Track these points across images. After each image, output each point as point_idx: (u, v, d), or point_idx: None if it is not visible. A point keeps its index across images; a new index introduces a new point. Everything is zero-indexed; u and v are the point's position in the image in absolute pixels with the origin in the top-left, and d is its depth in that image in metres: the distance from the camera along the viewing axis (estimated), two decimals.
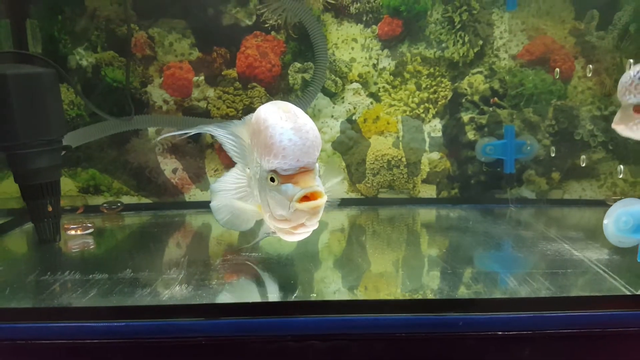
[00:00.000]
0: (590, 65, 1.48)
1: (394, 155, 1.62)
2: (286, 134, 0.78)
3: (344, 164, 1.65)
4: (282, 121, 0.79)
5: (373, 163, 1.63)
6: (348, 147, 1.65)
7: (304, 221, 0.81)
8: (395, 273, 1.09)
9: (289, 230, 0.85)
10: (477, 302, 0.88)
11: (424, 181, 1.65)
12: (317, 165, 0.82)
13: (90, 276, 1.02)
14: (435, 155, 1.64)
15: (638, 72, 0.92)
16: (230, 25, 1.57)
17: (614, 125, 0.97)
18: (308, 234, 0.88)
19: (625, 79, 0.94)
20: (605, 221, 0.92)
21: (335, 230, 1.49)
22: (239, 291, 0.98)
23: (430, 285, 1.01)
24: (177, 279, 1.00)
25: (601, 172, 1.57)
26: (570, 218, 1.54)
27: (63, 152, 1.29)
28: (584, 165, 1.49)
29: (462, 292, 0.94)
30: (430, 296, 0.93)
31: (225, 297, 0.92)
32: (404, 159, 1.62)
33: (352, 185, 1.67)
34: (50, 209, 1.23)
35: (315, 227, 0.85)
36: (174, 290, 0.93)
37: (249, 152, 0.91)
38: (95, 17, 1.55)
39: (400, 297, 0.95)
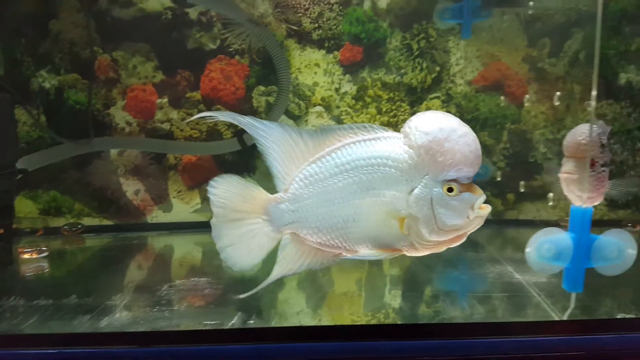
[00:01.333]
0: (558, 93, 1.54)
1: None
2: (465, 140, 0.71)
3: None
4: (451, 128, 0.72)
5: None
6: None
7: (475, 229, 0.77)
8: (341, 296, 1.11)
9: (441, 243, 0.78)
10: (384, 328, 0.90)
11: None
12: None
13: (35, 302, 1.01)
14: None
15: (599, 134, 0.98)
16: (195, 49, 1.59)
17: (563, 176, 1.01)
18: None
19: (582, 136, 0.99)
20: (527, 249, 0.93)
21: None
22: (184, 317, 0.98)
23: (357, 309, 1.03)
24: (119, 305, 0.99)
25: (548, 198, 1.62)
26: (523, 239, 1.58)
27: (19, 176, 1.28)
28: (522, 191, 1.55)
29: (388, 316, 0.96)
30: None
31: (164, 324, 0.92)
32: None
33: None
34: (1, 231, 1.22)
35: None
36: (114, 318, 0.93)
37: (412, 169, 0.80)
38: (59, 40, 1.56)
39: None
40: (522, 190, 1.54)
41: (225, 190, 0.83)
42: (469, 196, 0.74)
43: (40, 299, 1.02)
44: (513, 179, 1.60)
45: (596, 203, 1.00)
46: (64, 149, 1.53)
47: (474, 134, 0.73)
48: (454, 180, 0.74)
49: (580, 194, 1.02)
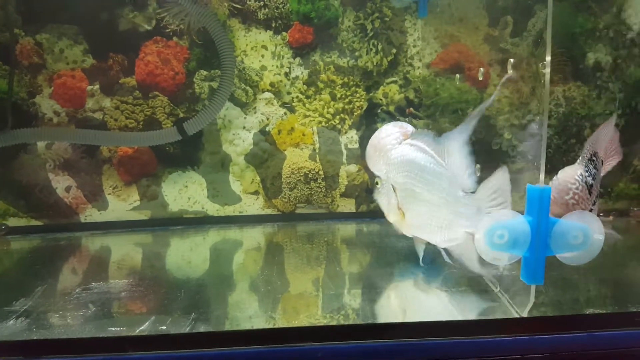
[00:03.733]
0: (482, 69, 1.43)
1: (311, 169, 1.52)
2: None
3: (258, 178, 1.54)
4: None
5: (289, 177, 1.53)
6: (262, 160, 1.54)
7: None
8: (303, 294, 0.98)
9: None
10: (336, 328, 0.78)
11: (343, 195, 1.56)
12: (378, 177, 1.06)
13: None
14: (353, 168, 1.55)
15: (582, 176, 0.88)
16: (128, 30, 1.45)
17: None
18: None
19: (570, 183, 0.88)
20: (476, 236, 0.82)
21: (251, 250, 1.38)
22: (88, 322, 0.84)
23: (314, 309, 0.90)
24: (17, 311, 0.85)
25: (522, 183, 1.52)
26: None
27: None
28: (478, 174, 1.43)
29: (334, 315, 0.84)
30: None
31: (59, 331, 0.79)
32: (321, 172, 1.53)
33: (268, 201, 1.56)
34: None
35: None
36: (7, 324, 0.79)
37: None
38: None
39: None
40: (477, 174, 1.43)
41: None
42: None
43: None
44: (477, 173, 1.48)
45: None
46: None
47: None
48: None
49: None
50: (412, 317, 0.88)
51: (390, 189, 1.05)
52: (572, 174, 0.94)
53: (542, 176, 0.81)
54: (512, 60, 0.91)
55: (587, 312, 0.86)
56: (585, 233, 0.79)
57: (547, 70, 0.78)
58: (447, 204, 0.94)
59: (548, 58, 0.78)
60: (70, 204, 1.49)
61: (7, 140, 1.38)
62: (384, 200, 1.08)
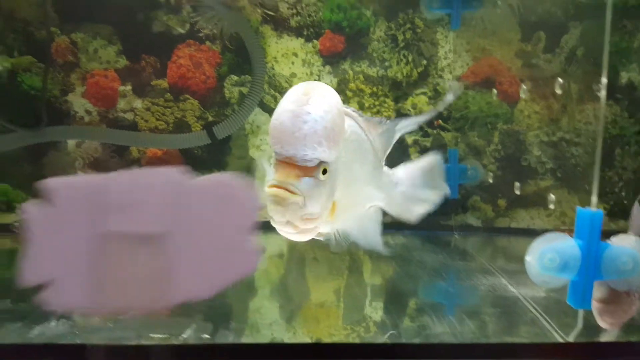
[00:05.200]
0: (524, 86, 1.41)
1: None
2: (281, 116, 0.68)
3: None
4: (288, 102, 0.69)
5: None
6: None
7: (272, 216, 0.69)
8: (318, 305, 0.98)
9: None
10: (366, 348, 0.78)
11: None
12: (320, 165, 0.69)
13: None
14: None
15: None
16: (162, 33, 1.46)
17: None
18: (291, 236, 0.74)
19: None
20: (527, 258, 0.80)
21: (274, 257, 1.38)
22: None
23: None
24: None
25: (549, 201, 1.50)
26: (515, 248, 1.46)
27: None
28: (518, 193, 1.42)
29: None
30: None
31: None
32: None
33: None
34: None
35: (293, 237, 0.73)
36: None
37: None
38: (12, 18, 1.43)
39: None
40: (517, 192, 1.41)
41: None
42: (271, 173, 0.69)
43: None
44: (505, 183, 1.47)
45: None
46: (14, 138, 1.39)
47: (308, 119, 0.66)
48: (276, 153, 0.70)
49: None
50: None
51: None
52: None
53: (594, 199, 0.80)
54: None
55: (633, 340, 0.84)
56: (635, 259, 0.78)
57: (603, 93, 0.77)
58: (372, 178, 0.82)
59: (604, 79, 0.76)
60: None
61: (41, 137, 1.40)
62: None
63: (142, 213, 0.52)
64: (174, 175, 0.52)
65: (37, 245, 0.52)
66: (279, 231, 0.73)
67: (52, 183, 0.53)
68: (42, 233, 0.53)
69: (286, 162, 0.68)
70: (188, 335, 0.81)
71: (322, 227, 0.76)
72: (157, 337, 0.80)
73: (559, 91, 0.90)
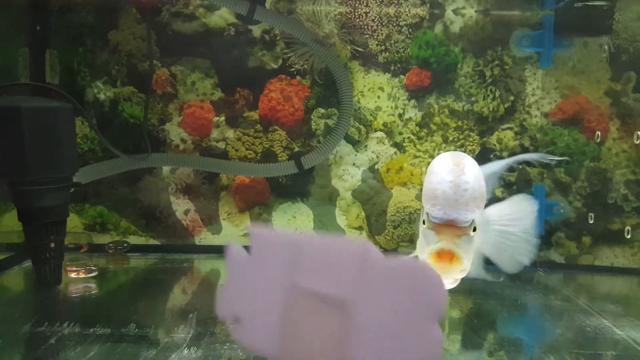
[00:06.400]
0: (639, 132, 1.42)
1: (417, 208, 1.54)
2: (442, 185, 0.80)
3: (363, 214, 1.58)
4: (444, 172, 0.82)
5: (394, 215, 1.55)
6: (369, 197, 1.58)
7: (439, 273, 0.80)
8: None
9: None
10: None
11: None
12: (472, 224, 0.81)
13: (92, 330, 0.94)
14: None
15: None
16: (255, 67, 1.53)
17: None
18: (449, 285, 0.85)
19: None
20: None
21: None
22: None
23: None
24: (185, 339, 0.91)
25: (635, 239, 1.49)
26: (602, 287, 1.45)
27: (72, 190, 1.22)
28: (628, 236, 1.42)
29: None
30: None
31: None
32: None
33: (372, 238, 1.59)
34: (52, 245, 1.15)
35: (452, 285, 0.84)
36: (182, 354, 0.85)
37: None
38: (117, 51, 1.52)
39: None
40: (627, 235, 1.41)
41: None
42: (429, 233, 0.81)
43: (96, 326, 0.94)
44: (589, 220, 1.47)
45: None
46: (119, 163, 1.47)
47: (468, 187, 0.80)
48: (427, 215, 0.82)
49: None
50: None
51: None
52: None
53: None
54: None
55: None
56: None
57: None
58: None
59: None
60: (187, 226, 1.57)
61: (143, 164, 1.48)
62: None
63: (330, 275, 0.55)
64: (362, 246, 0.55)
65: (235, 283, 0.56)
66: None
67: (256, 231, 0.58)
68: (241, 274, 0.57)
69: (447, 225, 0.79)
70: None
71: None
72: None
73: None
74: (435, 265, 0.78)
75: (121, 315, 1.05)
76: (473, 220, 0.80)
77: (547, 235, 1.49)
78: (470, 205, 0.79)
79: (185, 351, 0.86)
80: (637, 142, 1.43)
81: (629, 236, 1.44)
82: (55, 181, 1.14)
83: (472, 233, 0.81)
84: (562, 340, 1.02)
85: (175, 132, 1.55)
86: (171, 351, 0.87)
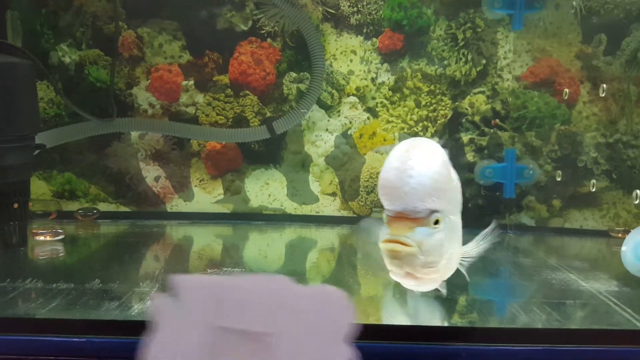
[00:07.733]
0: (604, 85, 1.43)
1: None
2: (387, 174, 0.73)
3: (337, 180, 1.57)
4: (393, 158, 0.75)
5: (367, 180, 1.55)
6: (342, 163, 1.57)
7: (391, 269, 0.76)
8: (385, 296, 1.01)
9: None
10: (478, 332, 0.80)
11: None
12: (432, 215, 0.73)
13: (55, 285, 0.92)
14: None
15: None
16: (225, 30, 1.50)
17: None
18: (414, 287, 0.83)
19: None
20: (623, 248, 0.84)
21: (325, 250, 1.41)
22: None
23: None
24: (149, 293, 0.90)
25: (604, 202, 1.51)
26: (574, 248, 1.47)
27: (36, 151, 1.19)
28: (594, 189, 1.43)
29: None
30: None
31: None
32: None
33: (345, 203, 1.58)
34: (15, 205, 1.12)
35: (422, 287, 0.81)
36: (146, 305, 0.84)
37: None
38: (82, 12, 1.47)
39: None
40: (592, 189, 1.43)
41: None
42: (385, 228, 0.74)
43: (59, 282, 0.93)
44: (560, 184, 1.48)
45: None
46: (85, 127, 1.44)
47: (414, 173, 0.71)
48: (387, 209, 0.75)
49: None
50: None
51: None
52: None
53: None
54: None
55: None
56: None
57: None
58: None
59: None
60: (158, 193, 1.55)
61: (110, 128, 1.45)
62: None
63: (253, 313, 0.57)
64: (279, 281, 0.58)
65: (161, 333, 0.57)
66: (402, 284, 0.81)
67: (180, 280, 0.58)
68: (167, 322, 0.57)
69: (398, 217, 0.73)
70: None
71: (446, 275, 0.82)
72: None
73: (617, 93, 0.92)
74: (386, 258, 0.74)
75: (86, 273, 1.03)
76: (433, 212, 0.72)
77: (518, 199, 1.50)
78: (419, 194, 0.70)
79: (149, 302, 0.85)
80: (602, 95, 1.44)
81: (593, 189, 1.46)
82: (15, 140, 1.11)
83: (433, 225, 0.73)
84: (529, 291, 1.04)
85: (143, 96, 1.52)
86: (135, 303, 0.86)
